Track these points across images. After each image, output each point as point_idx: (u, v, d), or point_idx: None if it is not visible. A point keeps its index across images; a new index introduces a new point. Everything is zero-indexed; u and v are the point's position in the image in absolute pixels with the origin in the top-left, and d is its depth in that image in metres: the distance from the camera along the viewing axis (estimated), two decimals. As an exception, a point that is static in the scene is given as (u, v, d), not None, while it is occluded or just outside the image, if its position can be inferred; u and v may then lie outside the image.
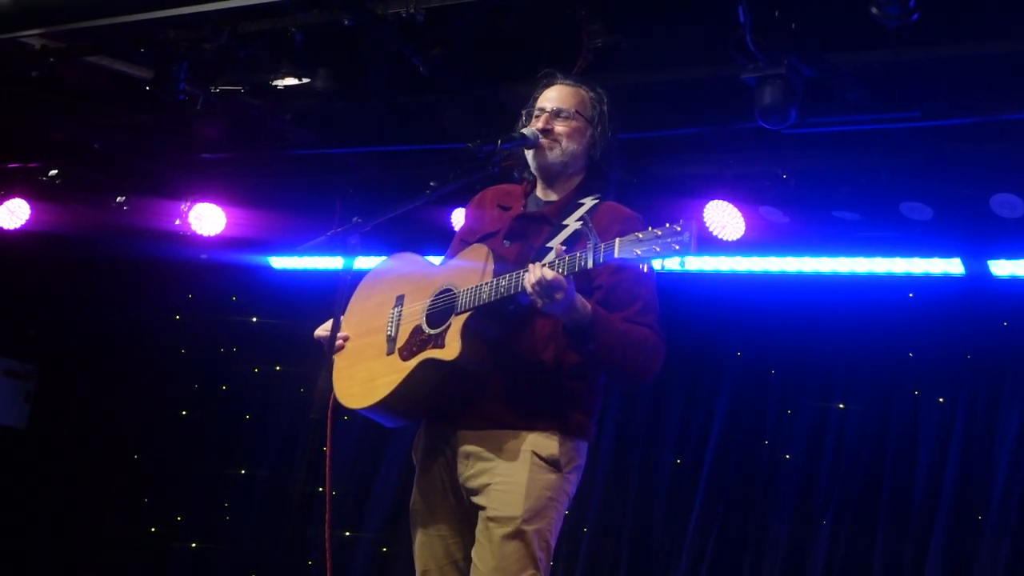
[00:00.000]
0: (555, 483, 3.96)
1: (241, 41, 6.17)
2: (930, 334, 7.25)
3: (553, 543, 4.00)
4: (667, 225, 3.56)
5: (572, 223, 4.04)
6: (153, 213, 8.44)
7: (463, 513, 4.08)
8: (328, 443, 4.68)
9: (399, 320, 4.17)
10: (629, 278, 3.95)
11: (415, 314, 4.12)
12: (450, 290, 4.04)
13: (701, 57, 5.90)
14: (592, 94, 4.25)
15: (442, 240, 7.74)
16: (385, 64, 6.53)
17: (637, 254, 3.56)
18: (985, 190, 6.27)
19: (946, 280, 7.00)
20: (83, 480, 9.70)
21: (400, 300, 4.21)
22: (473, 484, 4.00)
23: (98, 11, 5.95)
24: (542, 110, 4.19)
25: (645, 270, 4.00)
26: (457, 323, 3.94)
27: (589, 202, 4.12)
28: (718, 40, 5.44)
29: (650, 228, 3.59)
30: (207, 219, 8.34)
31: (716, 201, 6.79)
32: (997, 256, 6.80)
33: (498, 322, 3.94)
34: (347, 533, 8.71)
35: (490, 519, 3.93)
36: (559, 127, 4.15)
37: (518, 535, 3.89)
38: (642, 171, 6.85)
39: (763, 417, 7.63)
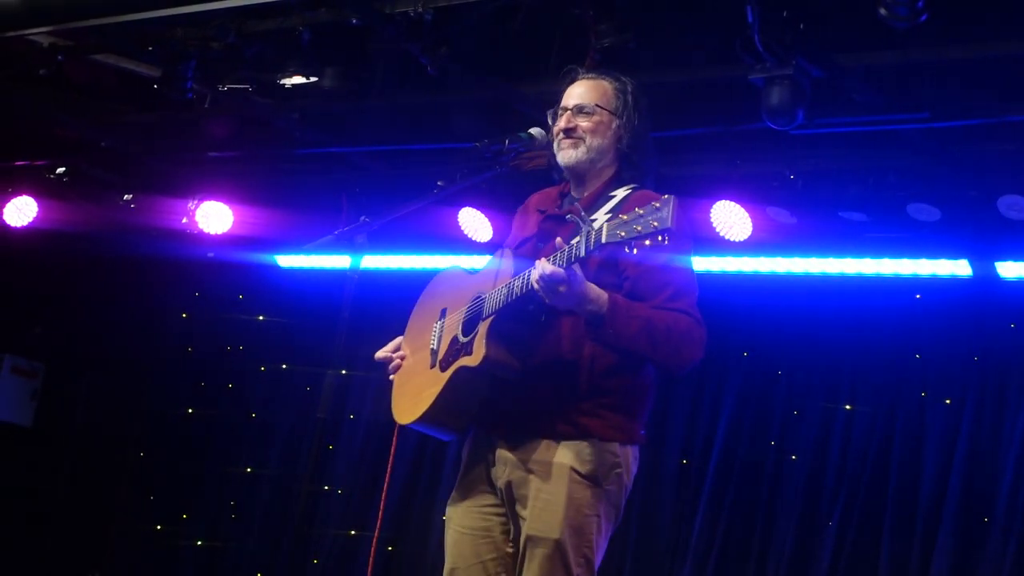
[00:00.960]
0: (594, 499, 3.91)
1: (249, 40, 6.18)
2: (937, 336, 7.24)
3: (597, 558, 3.96)
4: (651, 203, 3.47)
5: (599, 216, 3.92)
6: (160, 211, 8.45)
7: (497, 516, 4.05)
8: (388, 471, 4.81)
9: (441, 332, 4.17)
10: (658, 266, 3.85)
11: (454, 324, 4.11)
12: (480, 296, 4.02)
13: (709, 58, 5.91)
14: (616, 84, 4.16)
15: (449, 239, 7.78)
16: (393, 63, 6.54)
17: (622, 236, 3.48)
18: (992, 191, 6.27)
19: (953, 282, 6.99)
20: (89, 478, 9.72)
21: (443, 313, 4.22)
22: (515, 492, 3.96)
23: (106, 10, 5.96)
24: (565, 108, 4.13)
25: (680, 250, 3.88)
26: (483, 328, 3.92)
27: (621, 193, 4.04)
28: (726, 41, 5.44)
29: (635, 208, 3.51)
30: (214, 217, 8.35)
31: (723, 201, 6.78)
32: (1004, 258, 6.79)
33: (522, 322, 3.90)
34: (353, 532, 8.71)
35: (529, 537, 3.90)
36: (583, 123, 4.07)
37: (555, 555, 3.85)
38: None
39: (769, 418, 7.63)
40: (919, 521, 7.03)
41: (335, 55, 6.37)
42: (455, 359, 4.00)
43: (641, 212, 3.47)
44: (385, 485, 4.93)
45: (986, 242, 6.68)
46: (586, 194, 4.11)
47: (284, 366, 9.35)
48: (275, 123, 7.22)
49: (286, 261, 9.05)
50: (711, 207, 6.80)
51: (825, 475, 7.37)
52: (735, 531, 7.52)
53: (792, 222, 6.82)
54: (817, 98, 5.51)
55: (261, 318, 9.50)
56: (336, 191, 8.02)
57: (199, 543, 9.32)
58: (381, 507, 4.87)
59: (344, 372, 8.89)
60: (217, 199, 8.33)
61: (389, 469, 4.80)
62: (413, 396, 4.20)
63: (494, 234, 7.54)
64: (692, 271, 4.01)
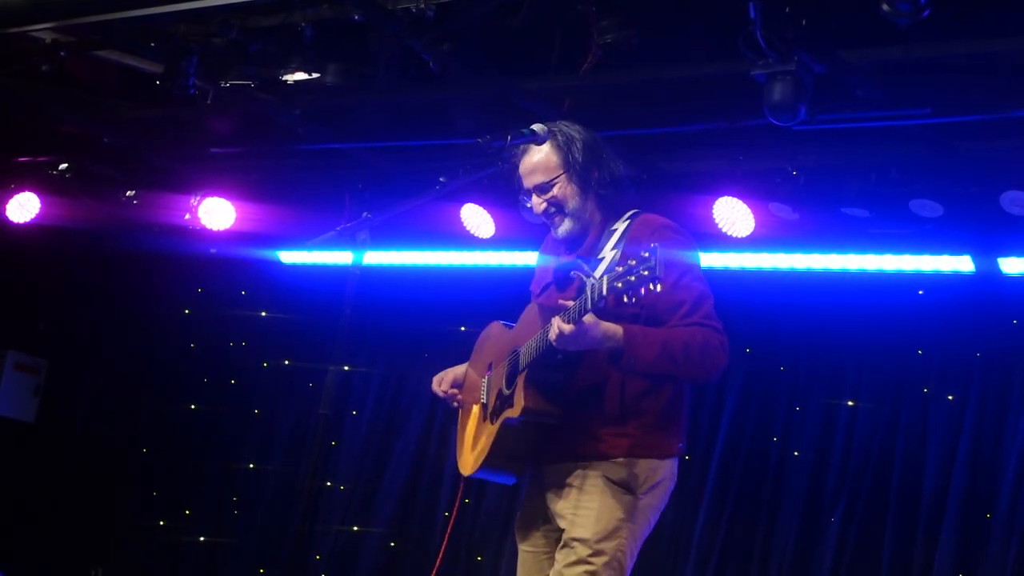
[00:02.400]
0: (628, 505, 4.11)
1: (251, 36, 6.19)
2: (939, 331, 7.24)
3: (629, 563, 4.16)
4: (642, 254, 3.67)
5: (607, 253, 4.11)
6: (162, 207, 8.46)
7: (554, 535, 4.24)
8: (452, 520, 5.29)
9: (488, 386, 4.40)
10: (667, 288, 3.91)
11: (499, 378, 4.32)
12: (516, 350, 4.23)
13: (711, 53, 5.90)
14: (550, 143, 4.22)
15: (451, 235, 7.78)
16: (395, 59, 6.54)
17: (619, 287, 3.68)
18: (995, 187, 6.26)
19: (956, 278, 6.98)
20: (92, 474, 9.72)
21: (490, 367, 4.44)
22: (556, 510, 4.18)
23: (108, 6, 5.96)
24: (528, 191, 4.27)
25: (684, 270, 4.07)
26: (520, 381, 4.14)
27: (622, 226, 4.19)
28: (728, 36, 5.43)
29: (628, 260, 3.70)
30: (216, 213, 8.35)
31: (726, 197, 6.78)
32: (1007, 253, 6.78)
33: (554, 370, 4.10)
34: (355, 528, 8.72)
35: (564, 542, 4.11)
36: (552, 199, 4.21)
37: (586, 558, 4.05)
38: (652, 167, 6.85)
39: (772, 414, 7.63)
40: (922, 517, 7.02)
41: (337, 51, 6.37)
42: (501, 411, 4.22)
43: (633, 264, 3.67)
44: (447, 533, 5.20)
45: (989, 238, 6.68)
46: (590, 236, 4.25)
47: (287, 362, 9.36)
48: (277, 119, 7.21)
49: (288, 257, 9.06)
50: (713, 203, 6.80)
51: (828, 471, 7.37)
52: (738, 527, 7.52)
53: (794, 218, 6.81)
54: (819, 94, 5.51)
55: (263, 314, 9.51)
56: (338, 187, 8.02)
57: (201, 539, 9.33)
58: (440, 555, 5.13)
59: (346, 368, 8.91)
60: (219, 195, 8.33)
61: (453, 519, 5.42)
62: (471, 449, 4.42)
63: (496, 230, 7.55)
64: (703, 282, 4.15)
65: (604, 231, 4.21)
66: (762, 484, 7.52)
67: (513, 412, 4.12)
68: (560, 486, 4.16)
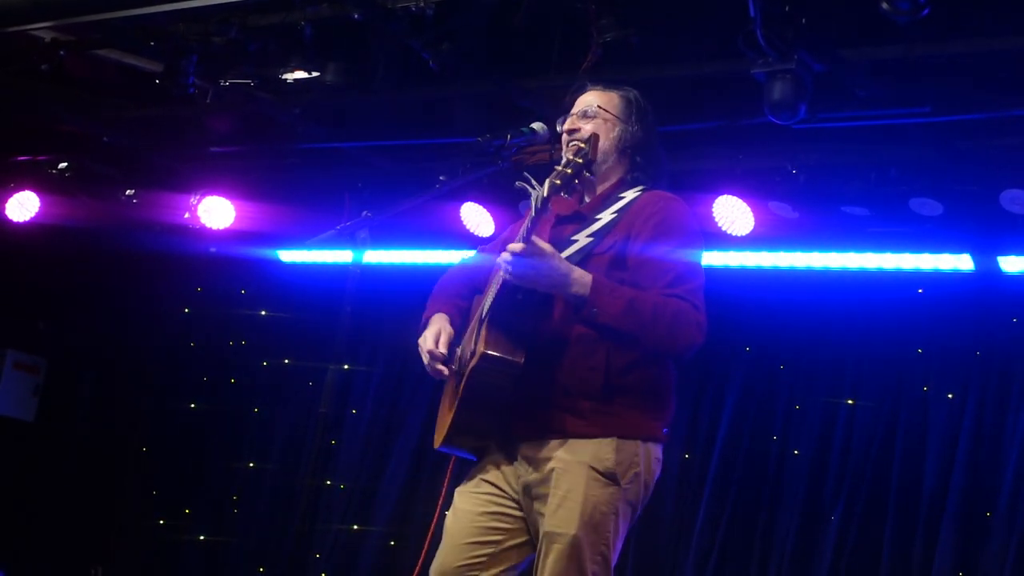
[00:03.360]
0: (613, 497, 3.93)
1: (251, 35, 6.19)
2: (939, 330, 7.24)
3: (614, 556, 3.99)
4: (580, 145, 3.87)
5: (605, 216, 4.02)
6: (162, 206, 8.46)
7: (507, 515, 4.08)
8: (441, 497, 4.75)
9: (460, 354, 4.19)
10: (659, 257, 3.90)
11: (469, 339, 4.15)
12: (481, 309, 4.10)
13: (711, 52, 5.91)
14: (622, 93, 4.21)
15: (452, 234, 7.78)
16: (395, 58, 6.54)
17: (557, 184, 3.72)
18: (995, 186, 6.26)
19: (955, 276, 6.98)
20: (91, 473, 9.72)
21: (461, 338, 4.24)
22: (535, 491, 3.99)
23: (108, 5, 5.96)
24: (571, 114, 4.19)
25: (681, 243, 3.97)
26: (483, 328, 3.97)
27: (631, 194, 4.09)
28: (728, 35, 5.44)
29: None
30: (216, 212, 8.35)
31: (725, 196, 6.78)
32: (1007, 252, 6.78)
33: (517, 313, 3.92)
34: (355, 527, 8.72)
35: (546, 534, 3.93)
36: (585, 126, 4.11)
37: (572, 551, 3.88)
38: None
39: (772, 413, 7.62)
40: (921, 516, 7.02)
41: (337, 50, 6.37)
42: (466, 369, 4.02)
43: (571, 158, 3.78)
44: (435, 518, 4.85)
45: (988, 236, 6.68)
46: (596, 195, 4.14)
47: (286, 361, 9.36)
48: (277, 118, 7.22)
49: (288, 256, 9.06)
50: (713, 201, 6.80)
51: (827, 470, 7.37)
52: (737, 526, 7.52)
53: (794, 217, 6.82)
54: (819, 92, 5.51)
55: (263, 313, 9.51)
56: (338, 186, 8.03)
57: (201, 538, 9.33)
58: (427, 541, 4.85)
59: (346, 367, 8.91)
60: (219, 194, 8.33)
61: (440, 504, 4.80)
62: (442, 422, 4.24)
63: (496, 229, 7.54)
64: (698, 264, 4.03)
65: (612, 195, 4.11)
66: (762, 483, 7.52)
67: (474, 361, 3.91)
68: (538, 466, 3.96)
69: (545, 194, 3.69)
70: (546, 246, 3.80)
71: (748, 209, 6.78)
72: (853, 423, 7.39)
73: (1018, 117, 5.85)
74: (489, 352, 3.89)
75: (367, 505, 8.75)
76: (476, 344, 3.97)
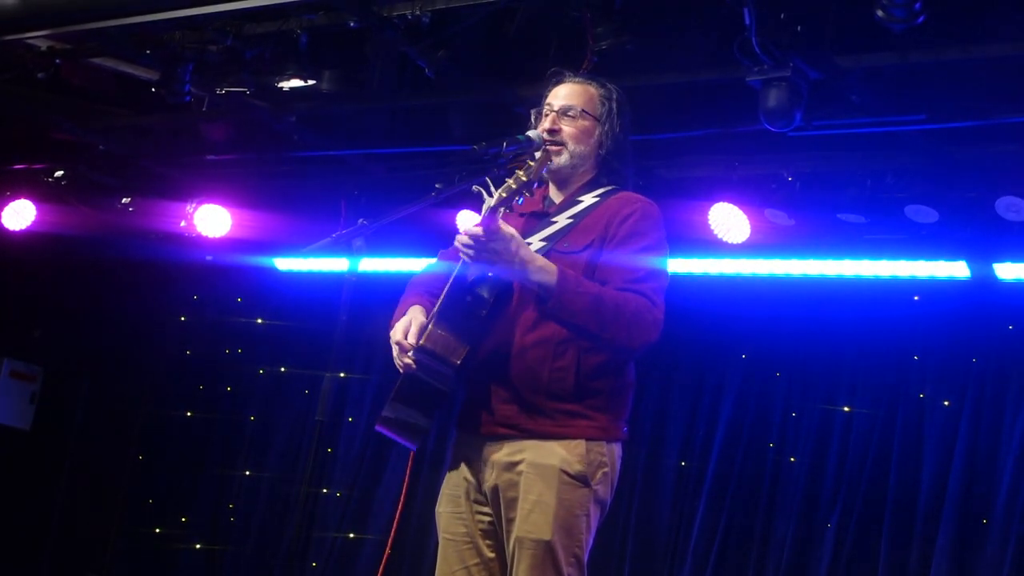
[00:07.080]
0: (584, 499, 3.95)
1: (247, 43, 6.19)
2: (935, 337, 7.24)
3: (586, 556, 4.00)
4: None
5: (562, 219, 4.06)
6: (158, 214, 8.46)
7: (479, 522, 4.08)
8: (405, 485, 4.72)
9: None
10: (628, 252, 3.92)
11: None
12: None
13: (706, 60, 5.91)
14: (602, 90, 4.22)
15: (447, 242, 7.76)
16: (390, 66, 6.54)
17: (512, 186, 3.77)
18: (990, 193, 6.27)
19: (951, 283, 6.99)
20: (88, 481, 9.71)
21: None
22: (504, 495, 3.98)
23: (104, 13, 5.96)
24: (550, 108, 4.18)
25: (650, 244, 4.00)
26: (429, 324, 3.99)
27: (590, 199, 4.11)
28: (724, 43, 5.44)
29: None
30: (212, 220, 8.35)
31: (721, 203, 6.79)
32: (1002, 259, 6.78)
33: (466, 316, 3.94)
34: (351, 535, 8.71)
35: (519, 539, 3.92)
36: (566, 127, 4.13)
37: (546, 556, 3.89)
38: (647, 173, 6.85)
39: (768, 420, 7.62)
40: (918, 523, 7.02)
41: (333, 58, 6.38)
42: None
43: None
44: (400, 505, 4.85)
45: (984, 244, 6.68)
46: (565, 196, 4.18)
47: (282, 369, 9.36)
48: (273, 126, 7.22)
49: (284, 264, 9.06)
50: (709, 209, 6.80)
51: (824, 477, 7.37)
52: (734, 533, 7.52)
53: (790, 224, 6.82)
54: (814, 100, 5.52)
55: (259, 321, 9.51)
56: (334, 194, 8.03)
57: (198, 546, 9.32)
58: (392, 532, 4.83)
59: (342, 375, 8.90)
60: (215, 202, 8.33)
61: (404, 491, 4.85)
62: None
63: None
64: (663, 264, 4.05)
65: (572, 199, 4.13)
66: (758, 490, 7.52)
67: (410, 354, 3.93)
68: (506, 470, 3.96)
69: (493, 204, 3.76)
70: (508, 228, 3.82)
71: (744, 216, 6.79)
72: (849, 430, 7.39)
73: (1013, 124, 5.86)
74: (425, 345, 3.91)
75: (363, 513, 8.74)
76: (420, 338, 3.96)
